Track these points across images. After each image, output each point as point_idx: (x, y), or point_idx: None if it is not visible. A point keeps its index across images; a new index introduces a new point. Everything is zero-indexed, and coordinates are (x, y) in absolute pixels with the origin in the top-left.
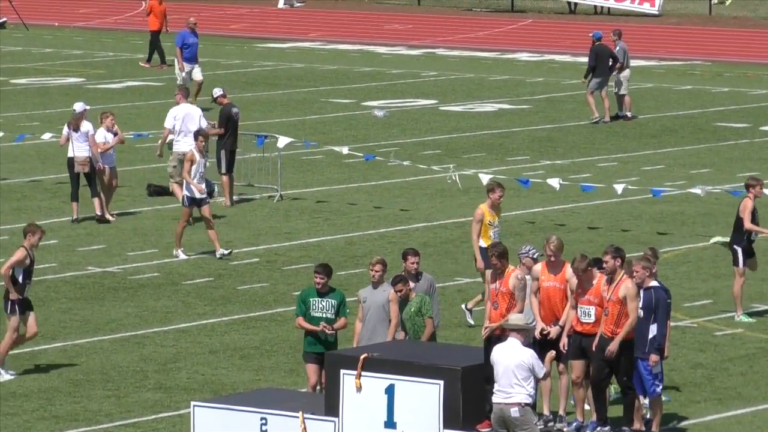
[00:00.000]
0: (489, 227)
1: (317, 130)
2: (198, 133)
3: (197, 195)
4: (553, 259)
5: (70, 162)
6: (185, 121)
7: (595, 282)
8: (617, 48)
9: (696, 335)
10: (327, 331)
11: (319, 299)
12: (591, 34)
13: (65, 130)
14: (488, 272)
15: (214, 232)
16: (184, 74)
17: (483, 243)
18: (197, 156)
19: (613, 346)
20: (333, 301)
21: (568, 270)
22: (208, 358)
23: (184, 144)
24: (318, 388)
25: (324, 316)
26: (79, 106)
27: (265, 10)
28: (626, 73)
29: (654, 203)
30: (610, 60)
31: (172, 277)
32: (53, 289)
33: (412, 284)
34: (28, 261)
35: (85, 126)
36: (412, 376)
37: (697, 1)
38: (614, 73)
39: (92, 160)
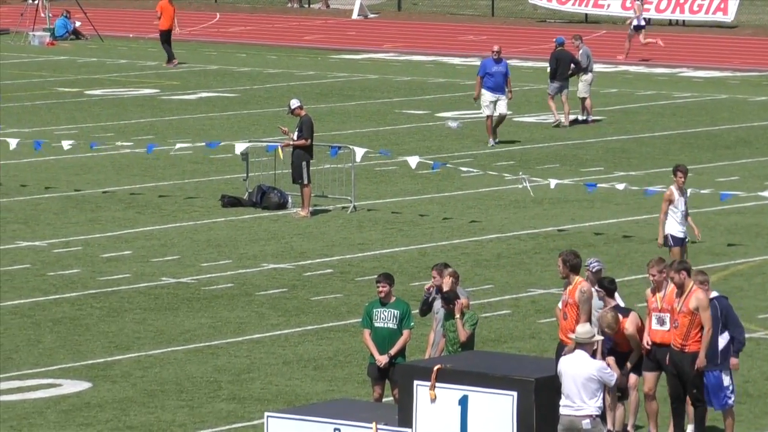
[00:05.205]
0: None
1: (391, 141)
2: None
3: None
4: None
5: None
6: None
7: (668, 291)
8: (580, 52)
9: None
10: (381, 361)
11: (383, 309)
12: (554, 40)
13: None
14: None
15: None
16: (484, 102)
17: None
18: (676, 194)
19: (700, 361)
20: (396, 311)
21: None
22: (281, 368)
23: None
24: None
25: (386, 326)
26: None
27: (339, 21)
28: (588, 76)
29: (728, 215)
30: (572, 65)
31: (246, 288)
32: (127, 300)
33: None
34: None
35: None
36: (486, 387)
37: None
38: (584, 75)
39: None
